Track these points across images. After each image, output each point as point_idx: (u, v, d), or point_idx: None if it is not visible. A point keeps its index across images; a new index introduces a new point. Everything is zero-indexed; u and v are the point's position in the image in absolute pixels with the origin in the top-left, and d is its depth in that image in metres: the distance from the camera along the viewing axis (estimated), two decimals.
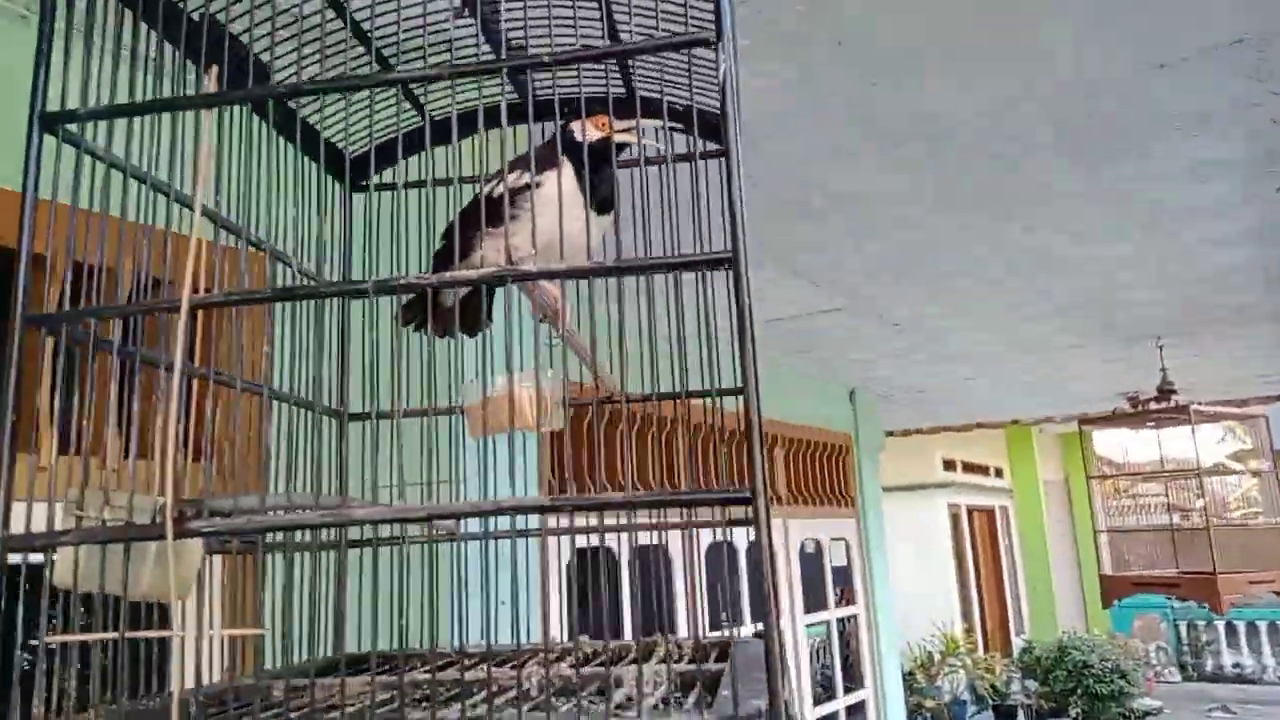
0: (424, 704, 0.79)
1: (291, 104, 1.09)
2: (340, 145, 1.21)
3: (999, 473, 11.99)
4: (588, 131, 0.81)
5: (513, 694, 0.85)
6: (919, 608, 9.60)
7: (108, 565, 0.70)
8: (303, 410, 1.11)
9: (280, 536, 1.04)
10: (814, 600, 5.57)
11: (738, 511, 0.91)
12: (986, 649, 10.62)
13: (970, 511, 11.40)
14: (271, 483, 1.02)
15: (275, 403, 1.06)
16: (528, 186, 0.79)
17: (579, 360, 1.07)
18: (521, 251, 0.67)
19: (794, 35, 1.90)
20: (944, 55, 2.05)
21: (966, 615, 10.74)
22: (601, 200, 0.80)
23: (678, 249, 1.04)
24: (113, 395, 0.77)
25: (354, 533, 1.19)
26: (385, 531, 1.15)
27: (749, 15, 1.79)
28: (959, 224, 3.23)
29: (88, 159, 0.81)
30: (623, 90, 0.92)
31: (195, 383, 0.99)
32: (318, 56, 0.86)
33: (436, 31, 0.93)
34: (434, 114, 1.18)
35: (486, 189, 0.83)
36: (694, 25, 0.74)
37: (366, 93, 1.11)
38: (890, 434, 9.18)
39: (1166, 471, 5.85)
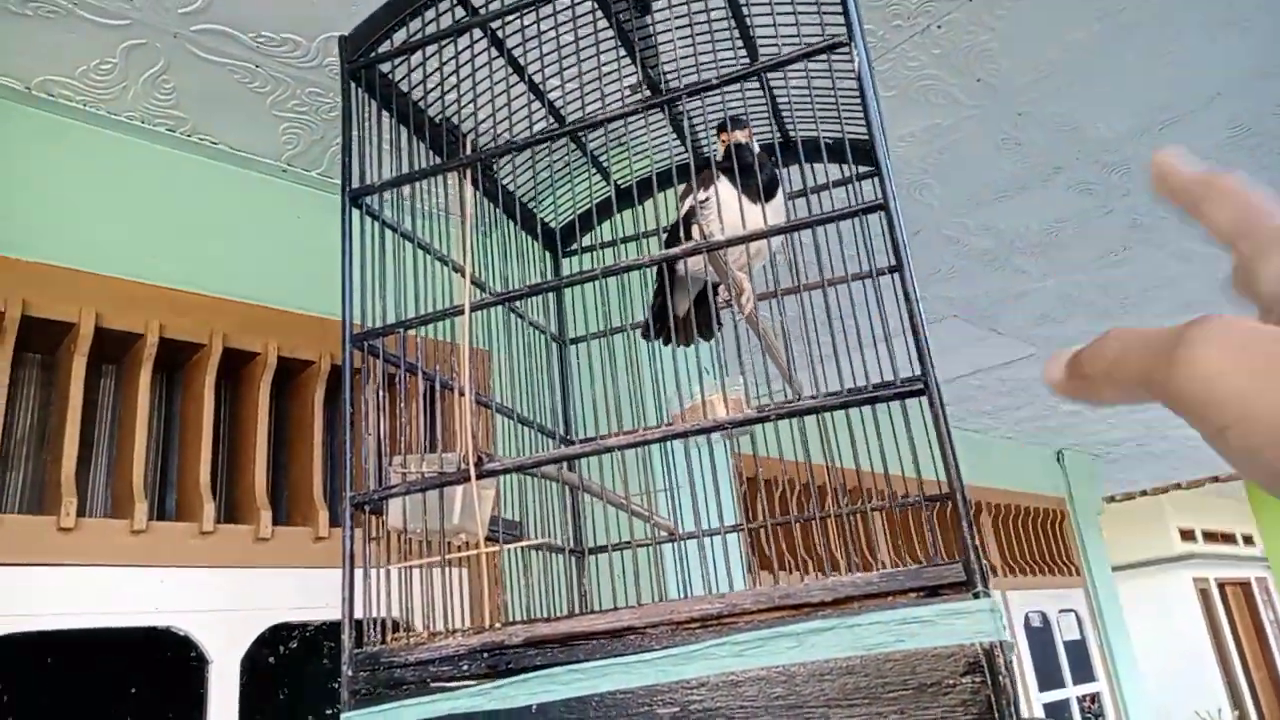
0: None
1: (526, 200, 1.37)
2: (551, 224, 1.47)
3: (1249, 540, 10.85)
4: (716, 147, 1.02)
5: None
6: (1178, 696, 8.69)
7: (427, 509, 0.90)
8: (544, 436, 1.33)
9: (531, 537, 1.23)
10: (1048, 678, 5.22)
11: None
12: None
13: (1221, 585, 10.33)
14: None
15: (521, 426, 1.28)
16: (702, 202, 1.00)
17: (772, 361, 1.24)
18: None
19: (930, 81, 2.06)
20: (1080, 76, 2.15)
21: (1236, 701, 9.58)
22: (759, 189, 0.99)
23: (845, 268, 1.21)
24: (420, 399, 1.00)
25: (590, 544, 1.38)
26: (615, 538, 1.33)
27: (885, 70, 1.97)
28: (1156, 246, 3.14)
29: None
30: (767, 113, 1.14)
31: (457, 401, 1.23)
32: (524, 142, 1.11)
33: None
34: (619, 182, 1.43)
35: (682, 209, 1.05)
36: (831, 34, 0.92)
37: (571, 170, 1.37)
38: (1111, 499, 8.53)
39: None
